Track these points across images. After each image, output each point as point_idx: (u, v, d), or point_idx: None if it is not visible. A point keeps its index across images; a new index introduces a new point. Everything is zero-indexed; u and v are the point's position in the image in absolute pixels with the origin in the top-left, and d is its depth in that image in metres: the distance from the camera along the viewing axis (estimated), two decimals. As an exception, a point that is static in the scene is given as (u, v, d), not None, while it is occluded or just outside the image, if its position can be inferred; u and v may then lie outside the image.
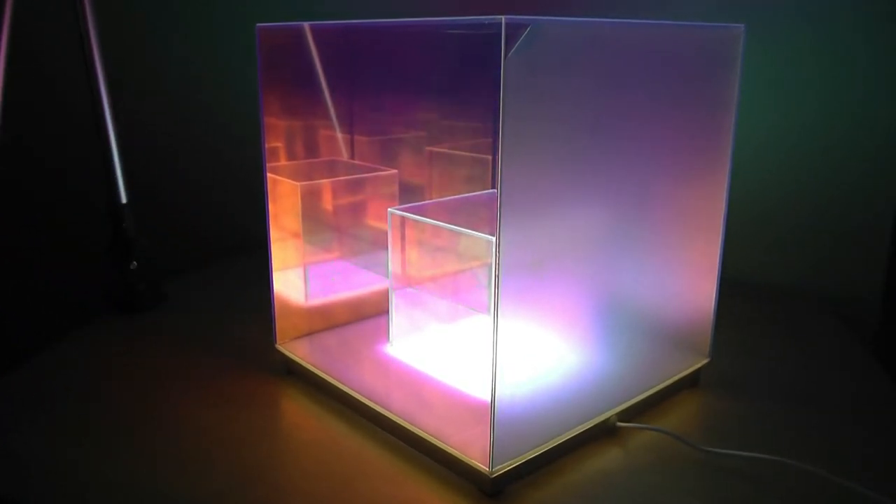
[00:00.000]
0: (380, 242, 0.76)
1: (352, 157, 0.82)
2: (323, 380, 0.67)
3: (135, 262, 0.89)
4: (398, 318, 0.71)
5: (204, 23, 1.16)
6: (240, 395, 0.68)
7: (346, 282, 0.79)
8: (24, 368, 0.73)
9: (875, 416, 0.66)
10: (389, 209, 0.68)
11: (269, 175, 0.71)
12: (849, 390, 0.70)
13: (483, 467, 0.52)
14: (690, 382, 0.70)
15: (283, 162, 0.76)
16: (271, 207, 0.71)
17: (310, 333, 0.76)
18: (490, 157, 0.74)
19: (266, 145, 0.70)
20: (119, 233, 0.89)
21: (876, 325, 0.94)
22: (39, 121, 1.15)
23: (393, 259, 0.69)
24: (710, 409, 0.67)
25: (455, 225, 0.63)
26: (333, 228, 0.77)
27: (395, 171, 0.78)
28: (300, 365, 0.70)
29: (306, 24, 0.69)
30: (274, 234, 0.72)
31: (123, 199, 0.89)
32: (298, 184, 0.72)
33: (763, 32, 0.90)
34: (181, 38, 1.18)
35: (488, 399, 0.51)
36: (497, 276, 0.49)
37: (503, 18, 0.44)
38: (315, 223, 0.74)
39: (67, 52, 0.91)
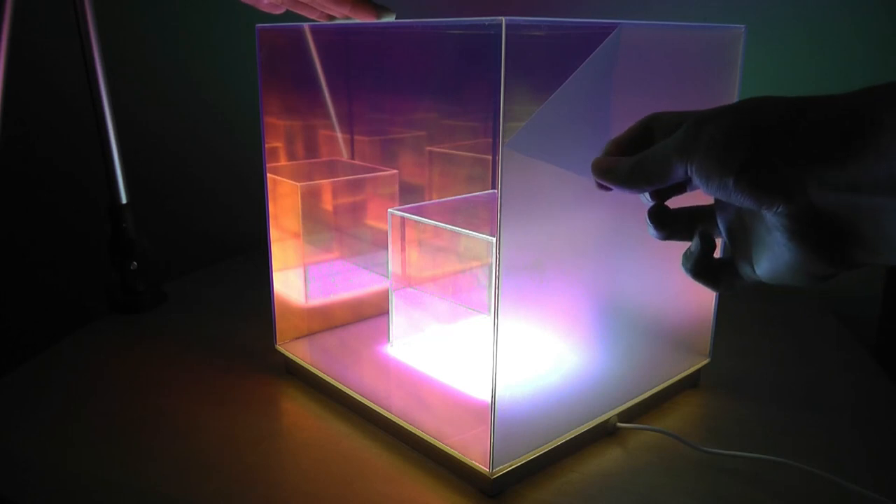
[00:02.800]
0: (380, 243, 0.76)
1: (352, 157, 0.82)
2: (323, 380, 0.67)
3: (135, 263, 0.89)
4: (398, 318, 0.71)
5: (204, 23, 1.16)
6: (240, 396, 0.68)
7: (346, 282, 0.79)
8: (24, 368, 0.73)
9: (875, 416, 0.66)
10: (389, 209, 0.68)
11: (269, 175, 0.71)
12: (849, 390, 0.70)
13: (483, 468, 0.52)
14: (691, 383, 0.70)
15: (283, 162, 0.76)
16: (271, 208, 0.71)
17: (310, 334, 0.76)
18: (490, 158, 0.74)
19: (266, 146, 0.70)
20: (119, 233, 0.89)
21: (876, 326, 0.94)
22: (40, 122, 1.15)
23: (393, 259, 0.69)
24: (711, 409, 0.67)
25: (455, 225, 0.63)
26: (333, 229, 0.77)
27: (395, 171, 0.78)
28: (300, 365, 0.70)
29: (306, 26, 0.69)
30: (274, 234, 0.72)
31: (124, 200, 0.89)
32: (298, 184, 0.72)
33: (763, 33, 0.90)
34: (182, 39, 1.18)
35: (489, 400, 0.51)
36: (497, 277, 0.49)
37: (503, 19, 0.44)
38: (315, 223, 0.74)
39: (68, 53, 0.91)
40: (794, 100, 0.29)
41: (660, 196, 0.35)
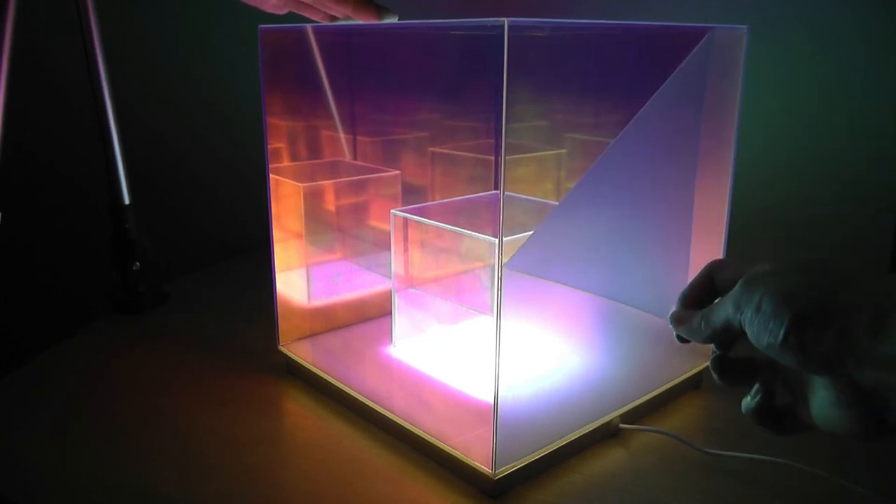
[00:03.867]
0: (382, 243, 0.76)
1: (354, 157, 0.82)
2: (325, 381, 0.67)
3: (137, 263, 0.89)
4: (400, 319, 0.71)
5: (206, 23, 1.16)
6: (241, 396, 0.68)
7: (349, 283, 0.79)
8: (24, 368, 0.73)
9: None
10: (392, 210, 0.68)
11: (271, 176, 0.71)
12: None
13: (486, 469, 0.52)
14: (693, 384, 0.70)
15: (285, 163, 0.76)
16: (274, 208, 0.71)
17: (312, 335, 0.76)
18: (492, 158, 0.74)
19: (269, 146, 0.70)
20: (121, 233, 0.89)
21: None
22: (43, 123, 1.15)
23: (395, 260, 0.69)
24: (713, 410, 0.66)
25: (457, 226, 0.63)
26: (336, 229, 0.77)
27: (397, 171, 0.77)
28: (302, 366, 0.70)
29: (308, 26, 0.69)
30: (276, 234, 0.72)
31: (126, 200, 0.89)
32: (301, 185, 0.72)
33: (766, 34, 0.90)
34: (184, 39, 1.18)
35: (491, 400, 0.51)
36: (499, 278, 0.49)
37: (506, 20, 0.44)
38: (317, 224, 0.74)
39: (70, 54, 0.91)
40: (832, 280, 0.32)
41: (724, 346, 0.38)
